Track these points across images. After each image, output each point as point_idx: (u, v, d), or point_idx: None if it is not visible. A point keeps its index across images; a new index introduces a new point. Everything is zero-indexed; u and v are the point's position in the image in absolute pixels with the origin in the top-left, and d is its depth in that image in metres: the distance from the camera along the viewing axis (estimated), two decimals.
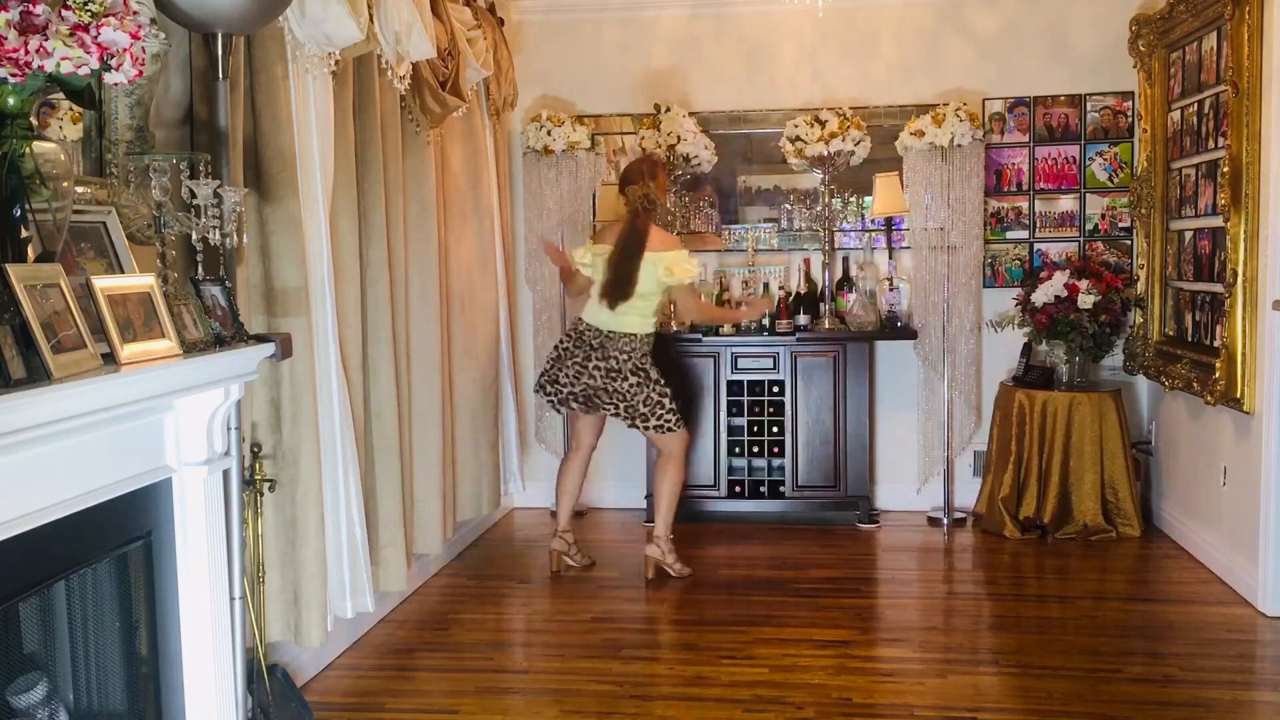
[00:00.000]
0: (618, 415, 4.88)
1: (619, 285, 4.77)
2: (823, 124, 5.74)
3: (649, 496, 5.93)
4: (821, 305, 5.90)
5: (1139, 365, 5.72)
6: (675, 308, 4.95)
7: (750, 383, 5.86)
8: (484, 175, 5.48)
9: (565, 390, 4.89)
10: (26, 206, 2.19)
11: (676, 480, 4.95)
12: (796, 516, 5.83)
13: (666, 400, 4.86)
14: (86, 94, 2.28)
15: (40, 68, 2.08)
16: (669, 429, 4.87)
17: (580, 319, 4.94)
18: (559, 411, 5.04)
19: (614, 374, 4.79)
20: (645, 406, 4.82)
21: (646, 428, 4.87)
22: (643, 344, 4.85)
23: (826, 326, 5.80)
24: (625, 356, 4.80)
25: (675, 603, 4.71)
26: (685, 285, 4.85)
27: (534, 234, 6.10)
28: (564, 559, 5.11)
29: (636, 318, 4.82)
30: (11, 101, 2.13)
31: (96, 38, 2.14)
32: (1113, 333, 5.67)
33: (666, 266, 4.75)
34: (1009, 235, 6.01)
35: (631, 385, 4.80)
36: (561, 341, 4.99)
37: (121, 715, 2.60)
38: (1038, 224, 5.99)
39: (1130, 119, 5.87)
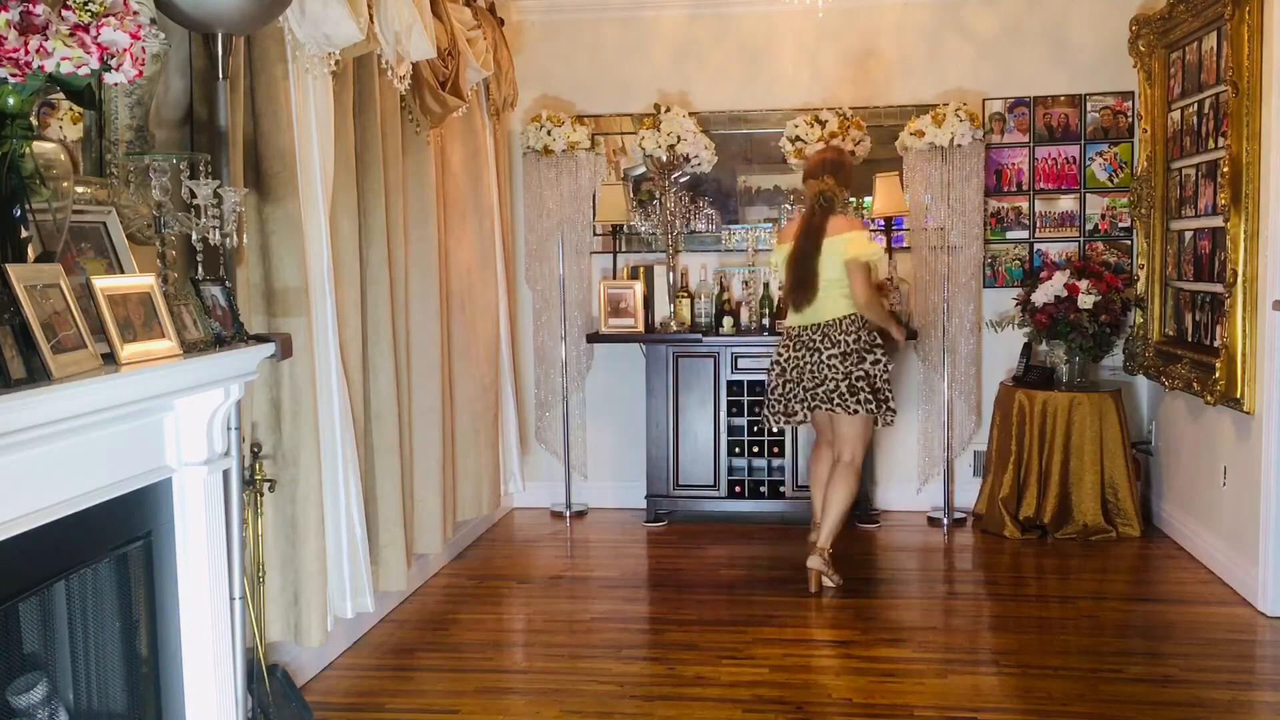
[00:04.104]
0: (868, 405, 4.68)
1: (801, 288, 4.71)
2: (823, 124, 5.75)
3: (649, 497, 5.94)
4: None
5: (1139, 365, 5.72)
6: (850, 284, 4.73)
7: (750, 383, 5.85)
8: (484, 175, 5.48)
9: (810, 394, 4.73)
10: (26, 206, 2.19)
11: (854, 491, 4.81)
12: (796, 516, 5.82)
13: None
14: (86, 94, 2.27)
15: (40, 68, 2.08)
16: (890, 418, 4.79)
17: (789, 327, 4.84)
18: (797, 424, 4.91)
19: (851, 356, 4.68)
20: (887, 388, 4.73)
21: (876, 409, 4.70)
22: (859, 319, 4.73)
23: None
24: (854, 337, 4.70)
25: (675, 603, 4.71)
26: (859, 262, 4.66)
27: (534, 234, 6.11)
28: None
29: (842, 300, 4.71)
30: (11, 101, 2.13)
31: (96, 38, 2.14)
32: (1113, 333, 5.67)
33: (846, 243, 4.66)
34: (1009, 235, 6.01)
35: (873, 364, 4.70)
36: (777, 358, 4.86)
37: (121, 715, 2.60)
38: (1038, 224, 5.99)
39: (1130, 119, 5.87)
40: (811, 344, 4.75)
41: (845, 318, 4.71)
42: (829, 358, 4.70)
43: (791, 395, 4.81)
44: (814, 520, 5.11)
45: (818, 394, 4.74)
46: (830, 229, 4.71)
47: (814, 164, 4.89)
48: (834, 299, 4.71)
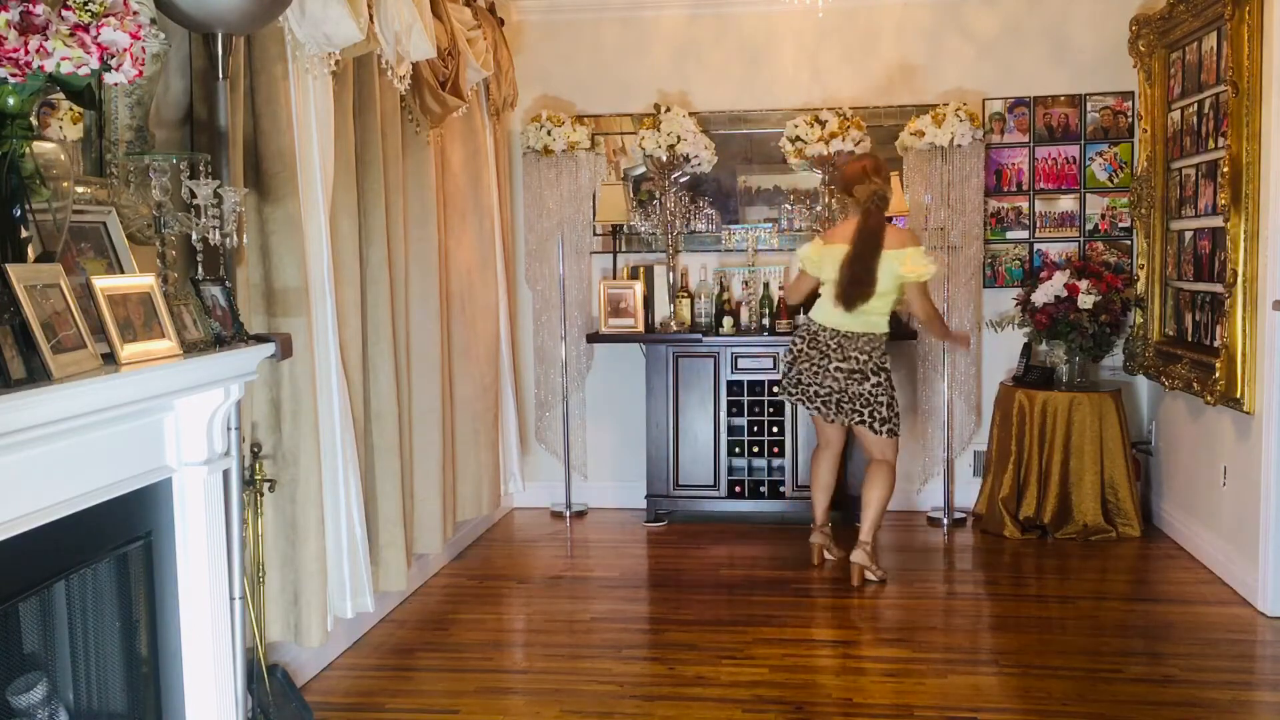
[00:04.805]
0: (856, 419, 4.78)
1: (858, 286, 4.68)
2: (823, 124, 5.74)
3: (649, 497, 5.94)
4: None
5: (1139, 365, 5.72)
6: (908, 303, 4.83)
7: (750, 383, 5.86)
8: (484, 175, 5.47)
9: (810, 389, 4.83)
10: (26, 206, 2.19)
11: (890, 487, 4.88)
12: (796, 516, 5.82)
13: (896, 403, 4.85)
14: (86, 94, 2.27)
15: (40, 68, 2.07)
16: (896, 433, 4.84)
17: (810, 320, 4.87)
18: (808, 409, 4.96)
19: (855, 375, 4.73)
20: (885, 409, 4.77)
21: (878, 430, 4.77)
22: (881, 343, 4.80)
23: None
24: (866, 357, 4.74)
25: (675, 603, 4.71)
26: (918, 283, 4.74)
27: (534, 234, 6.12)
28: (825, 553, 5.07)
29: (875, 317, 4.76)
30: (11, 101, 2.13)
31: (96, 38, 2.14)
32: (1113, 333, 5.67)
33: (902, 261, 4.68)
34: (1009, 235, 6.01)
35: (874, 386, 4.74)
36: (794, 343, 4.92)
37: (121, 715, 2.60)
38: (1038, 224, 5.99)
39: (1130, 119, 5.87)
40: (825, 349, 4.79)
41: (865, 336, 4.75)
42: (835, 369, 4.76)
43: (793, 382, 4.91)
44: (814, 523, 5.13)
45: (816, 396, 4.84)
46: (888, 240, 4.71)
47: (856, 170, 4.84)
48: (871, 313, 4.75)
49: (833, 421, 4.89)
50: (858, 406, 4.77)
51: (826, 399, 4.81)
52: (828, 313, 4.82)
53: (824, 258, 4.81)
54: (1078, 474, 5.48)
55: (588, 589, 4.93)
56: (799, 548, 5.29)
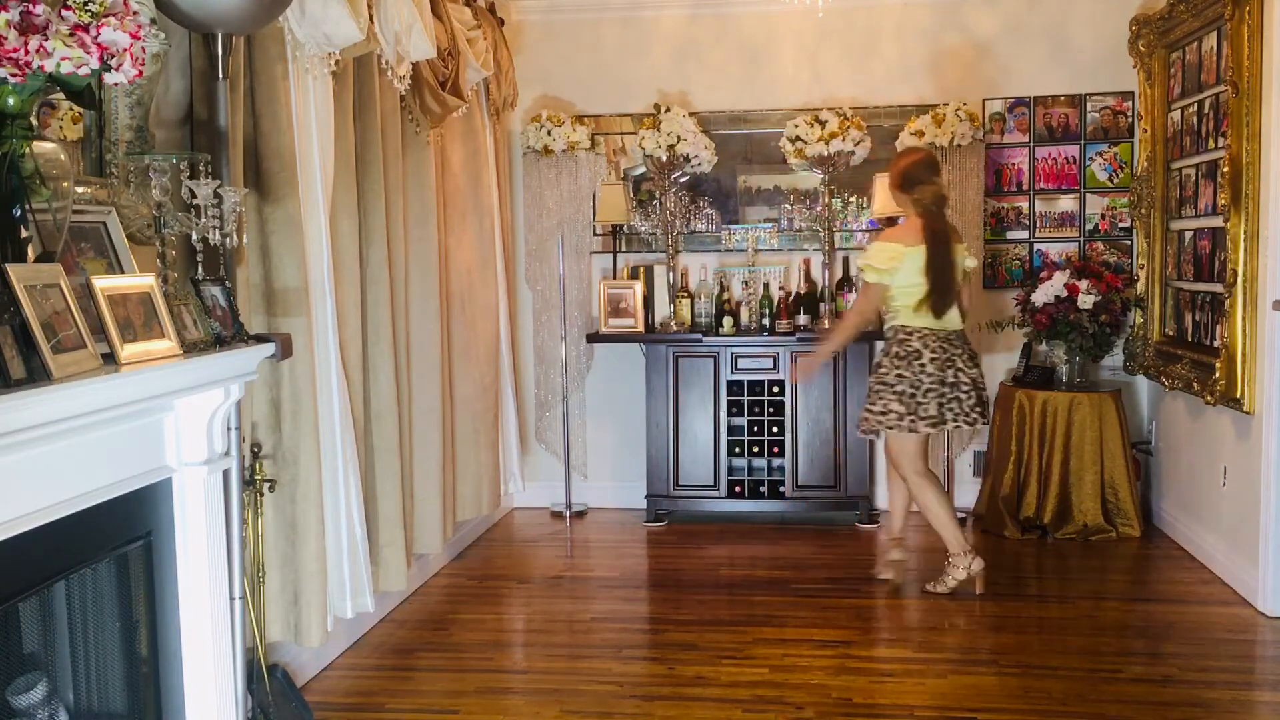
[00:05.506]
0: (975, 414, 4.68)
1: (949, 291, 4.59)
2: (823, 124, 5.74)
3: (649, 497, 5.94)
4: (821, 305, 5.90)
5: (1139, 365, 5.72)
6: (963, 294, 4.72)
7: (750, 383, 5.86)
8: (484, 175, 5.47)
9: (960, 390, 4.59)
10: (26, 206, 2.19)
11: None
12: (796, 516, 5.83)
13: None
14: (86, 94, 2.27)
15: (40, 68, 2.08)
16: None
17: (929, 330, 4.59)
18: (948, 426, 4.66)
19: (978, 365, 4.71)
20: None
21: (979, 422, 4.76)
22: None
23: (827, 326, 5.79)
24: (971, 348, 4.74)
25: (675, 603, 4.71)
26: (970, 270, 4.79)
27: (534, 234, 6.12)
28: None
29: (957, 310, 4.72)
30: (11, 101, 2.13)
31: (96, 38, 2.14)
32: (1113, 333, 5.67)
33: (965, 253, 4.73)
34: (1009, 235, 6.01)
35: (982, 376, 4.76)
36: (916, 354, 4.58)
37: (121, 715, 2.60)
38: (1038, 224, 5.99)
39: (1130, 119, 5.87)
40: (955, 347, 4.63)
41: (962, 330, 4.69)
42: (968, 360, 4.64)
43: (950, 399, 4.60)
44: (964, 547, 4.83)
45: (967, 399, 4.61)
46: (954, 239, 4.69)
47: (917, 166, 4.65)
48: (955, 308, 4.69)
49: (970, 425, 4.70)
50: (981, 397, 4.69)
51: (977, 397, 4.63)
52: (935, 316, 4.61)
53: (902, 263, 4.55)
54: (1078, 474, 5.48)
55: (588, 589, 4.93)
56: (799, 548, 5.29)
